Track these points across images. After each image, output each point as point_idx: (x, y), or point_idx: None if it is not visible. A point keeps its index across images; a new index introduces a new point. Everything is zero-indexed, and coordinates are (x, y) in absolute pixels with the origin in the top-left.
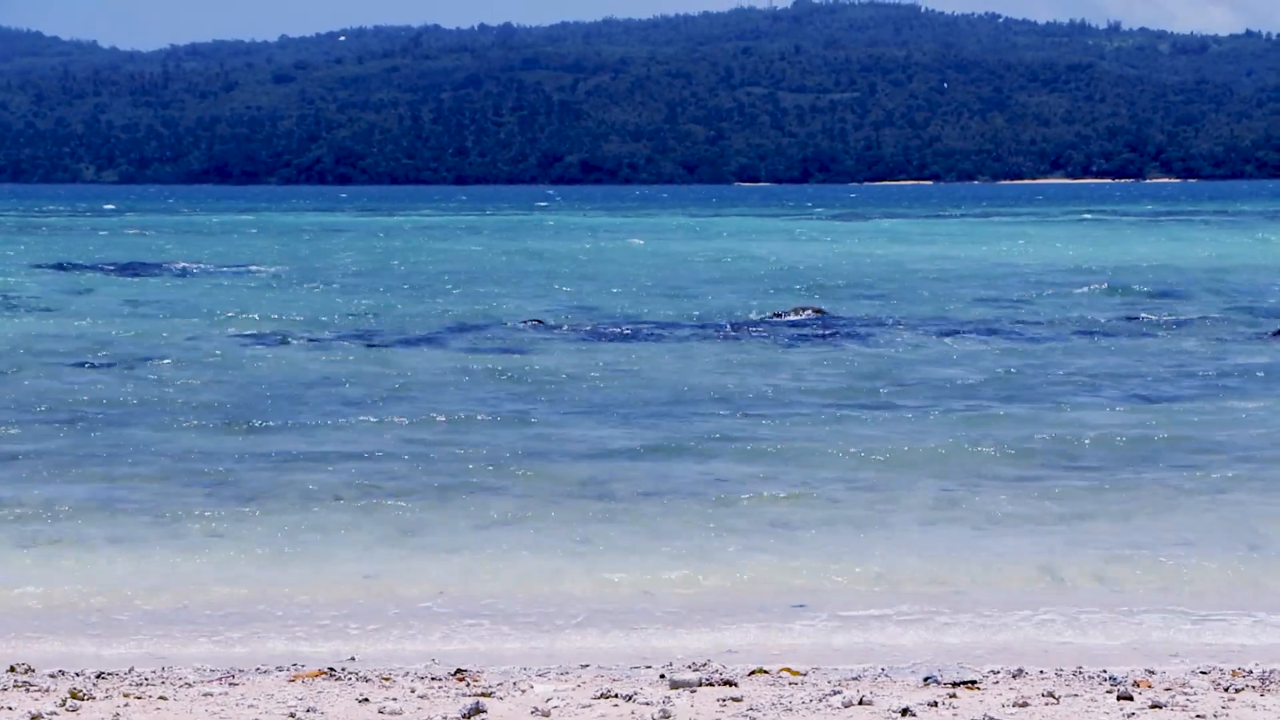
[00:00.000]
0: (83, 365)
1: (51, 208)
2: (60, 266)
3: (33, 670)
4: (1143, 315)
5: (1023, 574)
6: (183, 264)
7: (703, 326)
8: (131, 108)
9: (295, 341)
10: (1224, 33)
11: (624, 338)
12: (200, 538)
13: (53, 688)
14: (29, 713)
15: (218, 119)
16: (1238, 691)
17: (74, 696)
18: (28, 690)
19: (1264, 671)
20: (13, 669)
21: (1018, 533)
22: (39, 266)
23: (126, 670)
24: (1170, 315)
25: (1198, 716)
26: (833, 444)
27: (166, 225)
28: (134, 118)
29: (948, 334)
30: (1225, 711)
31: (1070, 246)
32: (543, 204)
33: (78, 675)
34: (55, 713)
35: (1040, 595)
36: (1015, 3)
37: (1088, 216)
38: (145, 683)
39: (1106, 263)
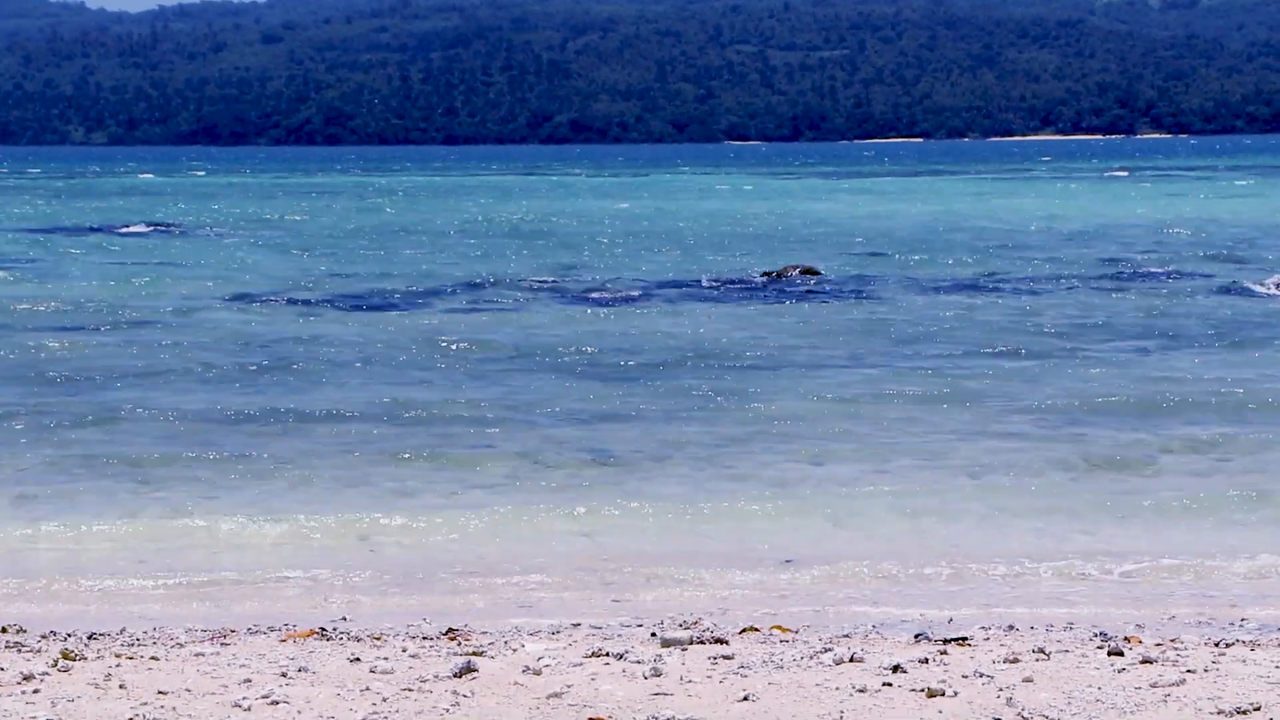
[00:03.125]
0: (71, 328)
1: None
2: (55, 229)
3: (25, 631)
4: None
5: (1017, 531)
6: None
7: (697, 286)
8: (120, 69)
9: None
10: None
11: (615, 299)
12: (191, 499)
13: (44, 648)
14: (21, 673)
15: (206, 80)
16: (1228, 646)
17: (66, 657)
18: (19, 651)
19: (1254, 626)
20: (4, 630)
21: (1011, 492)
22: (29, 231)
23: (118, 631)
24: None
25: (1188, 671)
26: (828, 402)
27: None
28: (122, 79)
29: (943, 291)
30: (1215, 665)
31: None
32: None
33: (69, 636)
34: (47, 673)
35: (1033, 551)
36: None
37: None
38: (137, 643)
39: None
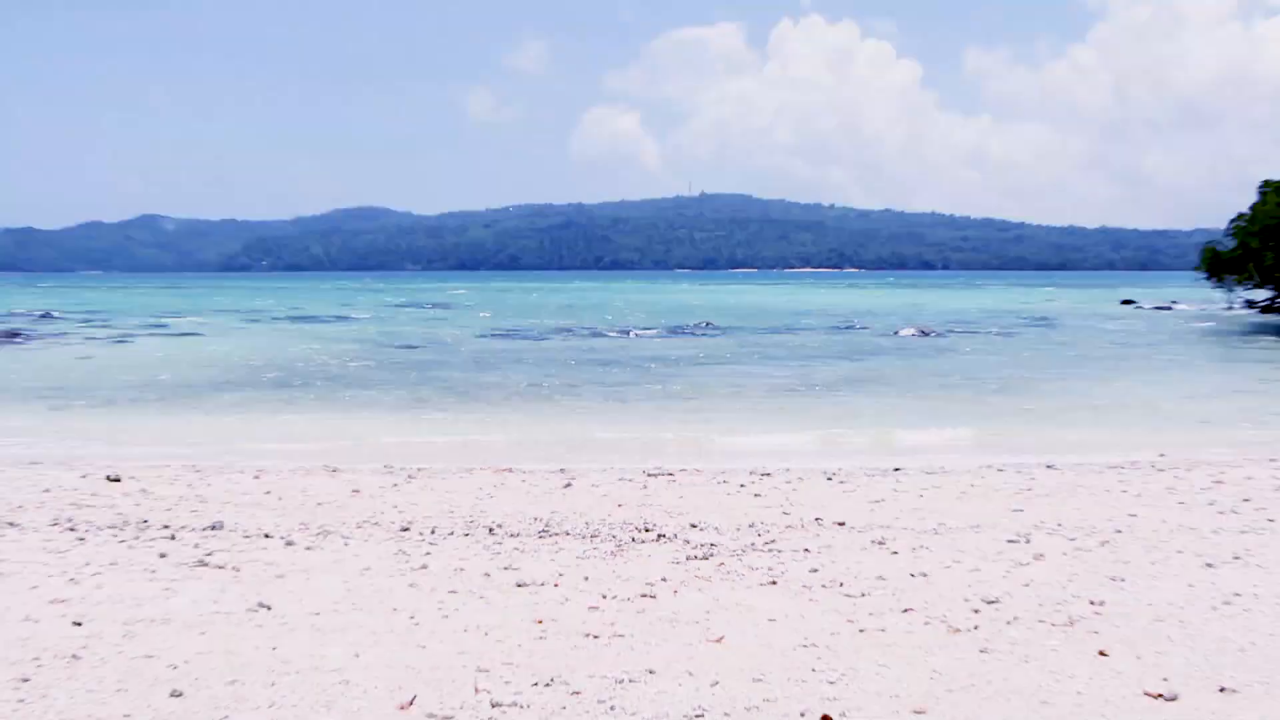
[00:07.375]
0: (397, 346)
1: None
2: (399, 305)
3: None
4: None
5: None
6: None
7: (664, 330)
8: None
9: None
10: None
11: (623, 335)
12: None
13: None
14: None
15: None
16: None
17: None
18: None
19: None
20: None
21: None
22: (379, 305)
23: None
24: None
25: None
26: (728, 381)
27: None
28: None
29: (786, 332)
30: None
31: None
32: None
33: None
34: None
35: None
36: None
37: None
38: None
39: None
